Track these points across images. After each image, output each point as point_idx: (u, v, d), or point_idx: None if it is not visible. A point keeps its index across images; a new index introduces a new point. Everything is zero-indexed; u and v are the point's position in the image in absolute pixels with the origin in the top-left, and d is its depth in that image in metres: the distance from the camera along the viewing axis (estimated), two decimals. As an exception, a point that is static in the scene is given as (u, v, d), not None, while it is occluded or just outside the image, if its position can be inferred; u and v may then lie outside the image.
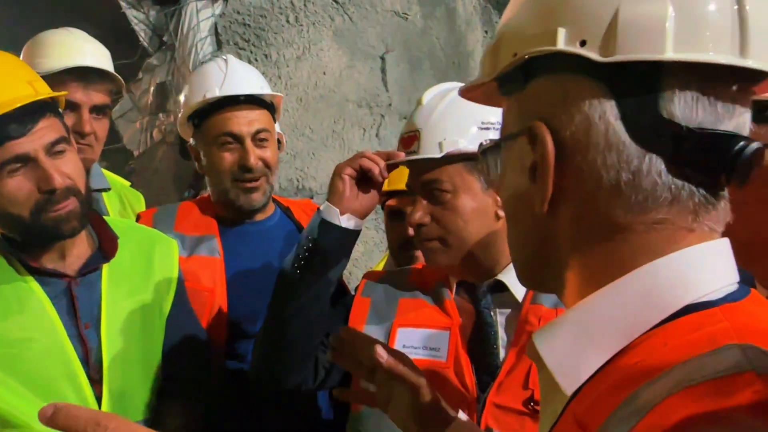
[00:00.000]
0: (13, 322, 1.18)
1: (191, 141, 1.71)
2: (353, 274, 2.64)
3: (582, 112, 0.53)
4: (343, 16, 2.91)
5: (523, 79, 0.57)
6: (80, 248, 1.29)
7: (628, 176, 0.52)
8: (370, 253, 2.86)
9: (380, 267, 2.06)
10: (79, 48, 1.78)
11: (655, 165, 0.52)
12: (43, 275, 1.24)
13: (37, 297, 1.22)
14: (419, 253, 1.63)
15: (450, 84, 1.25)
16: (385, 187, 1.73)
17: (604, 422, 0.47)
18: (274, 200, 1.80)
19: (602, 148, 0.52)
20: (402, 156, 1.17)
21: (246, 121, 1.62)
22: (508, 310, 1.16)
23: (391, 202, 1.75)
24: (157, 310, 1.35)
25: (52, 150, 1.19)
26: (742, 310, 0.52)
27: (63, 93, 1.30)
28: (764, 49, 0.52)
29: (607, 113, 0.52)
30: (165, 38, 2.93)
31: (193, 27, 2.78)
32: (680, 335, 0.50)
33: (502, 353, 1.14)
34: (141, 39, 2.92)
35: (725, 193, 0.55)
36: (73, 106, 1.70)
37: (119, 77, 1.84)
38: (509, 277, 1.14)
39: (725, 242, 0.55)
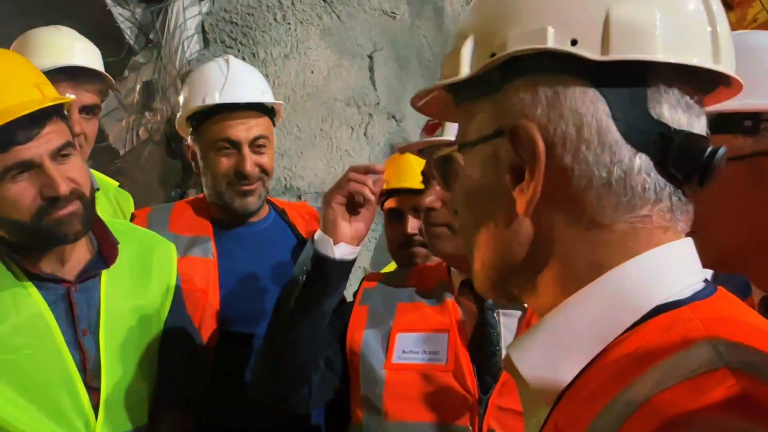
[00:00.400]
0: (9, 327, 1.16)
1: (189, 140, 1.70)
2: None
3: (574, 111, 0.53)
4: (330, 14, 2.90)
5: (499, 80, 0.56)
6: (80, 253, 1.27)
7: (620, 174, 0.53)
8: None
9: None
10: (68, 47, 1.75)
11: (645, 164, 0.53)
12: (41, 280, 1.22)
13: (35, 302, 1.20)
14: (419, 252, 1.66)
15: None
16: (385, 187, 1.73)
17: (587, 429, 0.47)
18: (269, 202, 1.79)
19: (595, 146, 0.52)
20: (381, 167, 1.18)
21: (245, 128, 1.61)
22: (512, 311, 1.16)
23: (389, 202, 1.75)
24: (155, 317, 1.34)
25: (57, 155, 1.17)
26: (710, 306, 0.53)
27: (70, 98, 1.28)
28: (729, 57, 0.56)
29: (599, 112, 0.53)
30: (151, 36, 2.90)
31: (180, 25, 2.76)
32: (653, 336, 0.50)
33: (504, 354, 1.13)
34: (127, 37, 2.89)
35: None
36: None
37: (109, 77, 1.82)
38: None
39: (689, 241, 0.57)
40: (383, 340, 1.19)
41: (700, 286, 0.55)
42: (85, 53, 1.77)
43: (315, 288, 1.15)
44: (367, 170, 1.17)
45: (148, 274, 1.35)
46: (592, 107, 0.52)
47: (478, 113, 0.59)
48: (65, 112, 1.25)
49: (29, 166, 1.14)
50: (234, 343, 1.60)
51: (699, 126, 0.55)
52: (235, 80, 1.65)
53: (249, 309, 1.61)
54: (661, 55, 0.52)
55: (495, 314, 1.17)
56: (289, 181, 2.78)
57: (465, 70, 0.58)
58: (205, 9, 2.78)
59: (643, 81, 0.53)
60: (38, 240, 1.20)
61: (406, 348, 1.17)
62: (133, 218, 1.70)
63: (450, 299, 1.20)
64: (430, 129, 1.18)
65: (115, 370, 1.24)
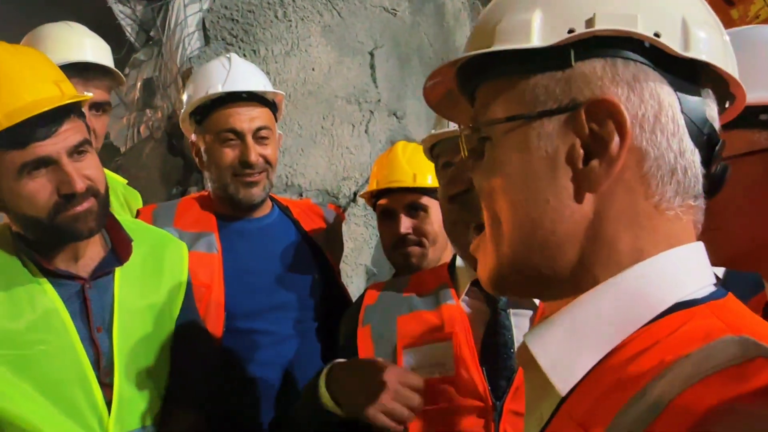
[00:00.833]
0: (25, 324, 1.17)
1: (192, 137, 1.72)
2: (343, 270, 2.63)
3: (654, 96, 0.54)
4: (331, 11, 2.90)
5: (572, 56, 0.56)
6: (93, 250, 1.27)
7: (683, 164, 0.55)
8: (360, 249, 2.86)
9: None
10: (78, 43, 1.75)
11: (697, 159, 0.56)
12: (56, 277, 1.22)
13: (50, 298, 1.20)
14: (413, 251, 1.64)
15: None
16: (376, 187, 1.73)
17: (612, 421, 0.48)
18: (272, 199, 1.81)
19: (669, 133, 0.55)
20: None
21: (248, 118, 1.64)
22: (523, 310, 1.13)
23: (382, 201, 1.73)
24: (167, 314, 1.34)
25: (74, 152, 1.17)
26: (725, 306, 0.54)
27: (88, 96, 1.28)
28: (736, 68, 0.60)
29: (675, 102, 0.55)
30: (152, 33, 2.90)
31: (181, 22, 2.75)
32: (672, 331, 0.51)
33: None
34: (127, 34, 2.89)
35: None
36: None
37: (120, 73, 1.82)
38: None
39: (701, 245, 0.58)
40: (391, 358, 1.15)
41: (713, 288, 0.56)
42: (95, 49, 1.77)
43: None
44: (411, 385, 1.07)
45: (161, 272, 1.35)
46: (668, 97, 0.55)
47: (533, 87, 0.57)
48: (83, 110, 1.26)
49: (47, 163, 1.15)
50: (237, 337, 1.60)
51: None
52: (237, 73, 1.68)
53: (252, 304, 1.62)
54: (729, 65, 0.56)
55: (507, 314, 1.12)
56: (291, 179, 2.78)
57: (535, 41, 0.56)
58: (205, 6, 2.77)
59: (699, 81, 0.57)
60: (53, 236, 1.20)
61: (413, 364, 1.13)
62: (137, 215, 1.71)
63: (451, 302, 1.16)
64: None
65: (128, 367, 1.24)
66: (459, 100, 0.67)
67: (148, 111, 2.94)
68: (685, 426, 0.43)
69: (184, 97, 1.75)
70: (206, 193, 1.79)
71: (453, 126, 1.23)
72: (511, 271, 0.59)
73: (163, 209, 1.71)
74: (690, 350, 0.48)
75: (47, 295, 1.20)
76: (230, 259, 1.63)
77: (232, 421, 1.56)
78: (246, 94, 1.64)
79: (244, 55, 2.74)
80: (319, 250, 1.77)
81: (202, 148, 1.69)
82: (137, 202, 1.90)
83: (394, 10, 3.09)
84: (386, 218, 1.71)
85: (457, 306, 1.16)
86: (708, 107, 0.57)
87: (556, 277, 0.57)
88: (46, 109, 1.13)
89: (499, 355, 1.10)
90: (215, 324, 1.56)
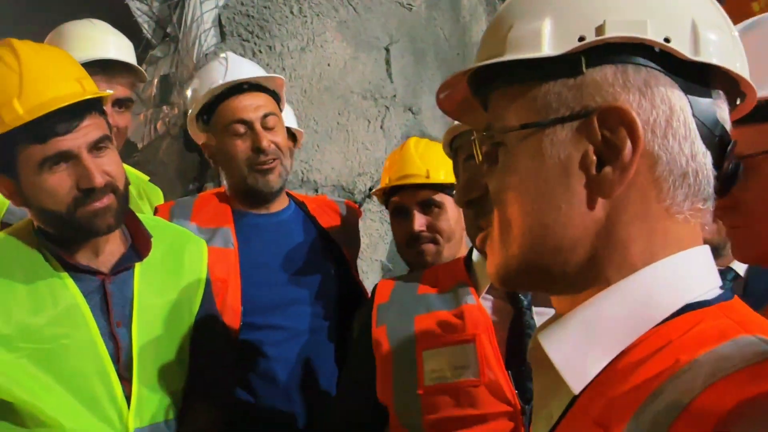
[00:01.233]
0: (47, 318, 1.18)
1: (203, 140, 1.73)
2: (358, 266, 2.63)
3: (665, 101, 0.55)
4: (347, 7, 2.90)
5: (583, 63, 0.56)
6: (114, 246, 1.29)
7: (694, 167, 0.55)
8: (375, 245, 2.86)
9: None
10: (102, 40, 1.77)
11: (709, 162, 0.56)
12: (77, 271, 1.23)
13: (71, 293, 1.21)
14: (428, 249, 1.63)
15: None
16: (388, 183, 1.72)
17: (631, 419, 0.48)
18: (289, 194, 1.81)
19: (680, 137, 0.55)
20: None
21: (253, 107, 1.66)
22: (547, 309, 1.07)
23: (394, 198, 1.71)
24: (186, 311, 1.35)
25: (94, 148, 1.19)
26: (734, 308, 0.55)
27: (109, 93, 1.30)
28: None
29: (686, 106, 0.55)
30: (168, 30, 2.90)
31: (197, 19, 2.76)
32: (685, 332, 0.52)
33: None
34: (144, 31, 2.90)
35: None
36: None
37: (142, 70, 1.84)
38: None
39: (708, 248, 0.59)
40: (411, 361, 1.11)
41: (719, 290, 0.57)
42: (118, 47, 1.79)
43: None
44: None
45: (180, 269, 1.36)
46: (679, 101, 0.55)
47: (545, 95, 0.58)
48: (104, 107, 1.27)
49: (67, 158, 1.17)
50: (253, 332, 1.60)
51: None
52: (235, 66, 1.71)
53: (268, 299, 1.63)
54: (738, 65, 0.57)
55: (532, 314, 1.09)
56: (306, 174, 2.78)
57: (546, 49, 0.57)
58: (221, 2, 2.78)
59: (710, 84, 0.57)
60: (72, 231, 1.21)
61: (435, 367, 1.09)
62: (156, 212, 1.72)
63: (472, 303, 1.12)
64: None
65: (147, 361, 1.25)
66: (475, 105, 0.68)
67: (164, 107, 2.95)
68: (710, 425, 0.43)
69: (188, 97, 1.77)
70: (223, 189, 1.79)
71: None
72: (519, 270, 0.60)
73: (181, 205, 1.72)
74: (705, 350, 0.48)
75: (69, 290, 1.21)
76: (246, 253, 1.64)
77: (247, 415, 1.57)
78: (247, 85, 1.67)
79: (260, 51, 2.74)
80: (335, 246, 1.77)
81: (215, 147, 1.70)
82: (158, 198, 1.92)
83: (409, 5, 3.08)
84: (399, 215, 1.69)
85: (478, 305, 1.12)
86: (719, 108, 0.57)
87: (565, 276, 0.58)
88: (66, 103, 1.14)
89: (524, 357, 1.06)
90: (232, 318, 1.57)
